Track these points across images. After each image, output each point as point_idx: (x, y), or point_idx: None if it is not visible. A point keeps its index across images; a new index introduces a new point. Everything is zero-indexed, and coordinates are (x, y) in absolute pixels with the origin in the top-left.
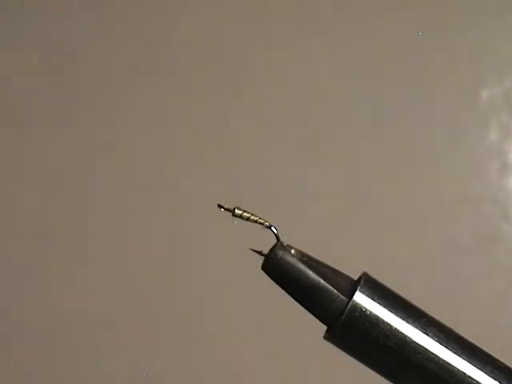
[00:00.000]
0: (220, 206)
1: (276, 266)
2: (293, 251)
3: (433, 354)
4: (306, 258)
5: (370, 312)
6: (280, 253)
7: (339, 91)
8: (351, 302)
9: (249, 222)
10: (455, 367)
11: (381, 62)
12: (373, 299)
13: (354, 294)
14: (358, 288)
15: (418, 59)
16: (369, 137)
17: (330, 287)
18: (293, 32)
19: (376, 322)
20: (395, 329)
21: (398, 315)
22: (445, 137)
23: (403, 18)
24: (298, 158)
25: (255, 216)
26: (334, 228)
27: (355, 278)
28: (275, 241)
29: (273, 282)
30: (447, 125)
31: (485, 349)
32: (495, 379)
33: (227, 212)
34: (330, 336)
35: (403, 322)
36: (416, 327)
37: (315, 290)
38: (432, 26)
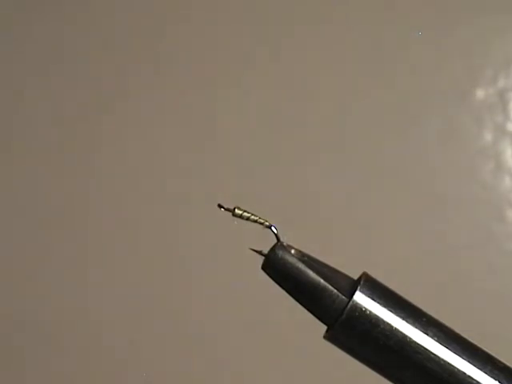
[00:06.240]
0: (220, 206)
1: (276, 266)
2: (293, 251)
3: (433, 353)
4: (306, 258)
5: (370, 312)
6: (280, 253)
7: (336, 91)
8: (351, 302)
9: (249, 222)
10: (455, 367)
11: (375, 62)
12: (373, 299)
13: (354, 293)
14: (358, 288)
15: (412, 58)
16: (365, 137)
17: (330, 287)
18: (293, 31)
19: (376, 321)
20: (395, 329)
21: (397, 315)
22: (439, 137)
23: (399, 18)
24: (298, 158)
25: (255, 216)
26: (334, 228)
27: (355, 278)
28: (275, 241)
29: (273, 282)
30: (442, 125)
31: (485, 349)
32: (495, 379)
33: (227, 212)
34: (330, 336)
35: (403, 322)
36: (416, 327)
37: (315, 290)
38: (426, 25)
